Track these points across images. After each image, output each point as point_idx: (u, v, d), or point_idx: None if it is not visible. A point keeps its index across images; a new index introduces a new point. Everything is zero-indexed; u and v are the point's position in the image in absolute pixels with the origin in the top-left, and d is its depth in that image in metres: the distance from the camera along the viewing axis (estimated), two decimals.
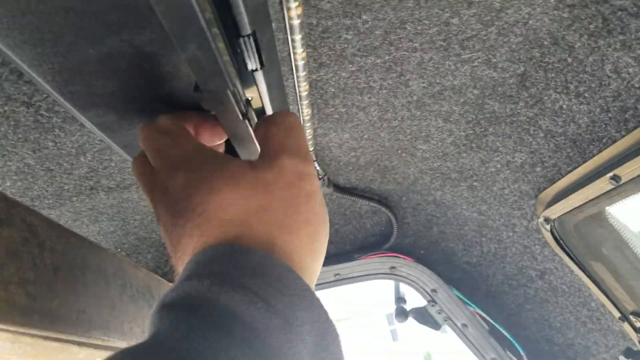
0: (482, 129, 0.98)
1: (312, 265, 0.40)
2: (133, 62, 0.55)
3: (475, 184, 1.20)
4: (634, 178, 0.75)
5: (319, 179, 1.16)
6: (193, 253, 0.37)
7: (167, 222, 0.42)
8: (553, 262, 1.26)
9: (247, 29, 0.53)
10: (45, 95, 0.63)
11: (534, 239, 1.24)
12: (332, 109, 0.90)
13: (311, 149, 0.99)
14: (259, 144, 0.48)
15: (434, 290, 1.43)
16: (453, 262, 1.48)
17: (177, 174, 0.42)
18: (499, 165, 1.08)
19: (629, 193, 0.80)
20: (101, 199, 0.98)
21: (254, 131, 0.53)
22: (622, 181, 0.77)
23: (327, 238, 0.43)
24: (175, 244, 0.40)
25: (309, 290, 0.36)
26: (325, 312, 0.36)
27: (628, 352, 1.07)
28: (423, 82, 0.85)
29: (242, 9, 0.50)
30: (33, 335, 0.40)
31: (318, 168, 1.11)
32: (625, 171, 0.75)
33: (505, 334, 1.49)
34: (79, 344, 0.48)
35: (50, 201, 0.92)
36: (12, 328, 0.36)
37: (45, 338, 0.42)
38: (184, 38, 0.41)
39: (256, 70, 0.62)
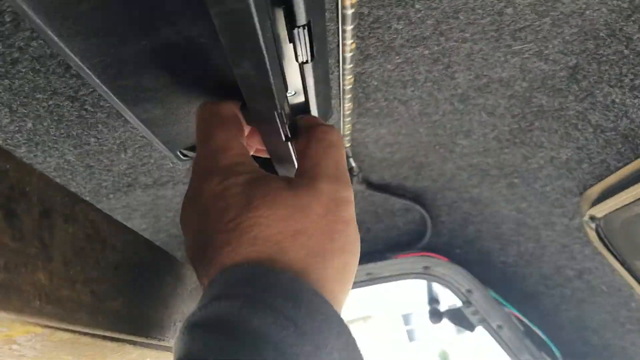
0: (528, 124, 0.95)
1: (340, 295, 0.39)
2: (185, 54, 0.53)
3: (515, 180, 1.17)
4: None
5: (353, 175, 1.13)
6: (220, 269, 0.36)
7: (192, 225, 0.41)
8: (593, 261, 1.23)
9: (303, 19, 0.51)
10: (91, 90, 0.61)
11: (574, 238, 1.20)
12: (373, 103, 0.88)
13: (347, 145, 0.97)
14: (298, 160, 0.46)
15: (469, 291, 1.40)
16: (489, 261, 1.44)
17: (212, 178, 0.40)
18: (542, 162, 1.05)
19: None
20: (137, 195, 0.97)
21: (294, 143, 0.51)
22: None
23: (356, 268, 0.42)
24: (198, 251, 0.39)
25: (338, 316, 0.35)
26: (354, 340, 0.36)
27: None
28: (470, 75, 0.82)
29: None
30: (94, 336, 0.39)
31: (354, 164, 1.09)
32: None
33: (541, 335, 1.46)
34: (134, 343, 0.46)
35: (87, 198, 0.91)
36: (79, 328, 0.34)
37: (104, 338, 0.41)
38: (240, 55, 0.39)
39: (306, 62, 0.60)
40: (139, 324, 0.43)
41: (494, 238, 1.37)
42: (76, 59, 0.49)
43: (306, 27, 0.53)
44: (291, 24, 0.52)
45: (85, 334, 0.38)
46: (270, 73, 0.41)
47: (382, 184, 1.28)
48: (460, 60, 0.77)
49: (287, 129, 0.51)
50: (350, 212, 0.41)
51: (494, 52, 0.76)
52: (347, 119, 0.86)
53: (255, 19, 0.35)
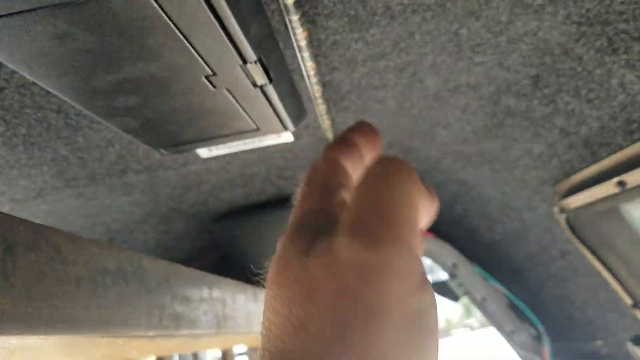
0: (500, 121, 0.99)
1: None
2: (148, 84, 0.60)
3: (497, 167, 1.21)
4: (639, 185, 0.76)
5: None
6: None
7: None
8: (573, 244, 1.28)
9: (252, 57, 0.58)
10: (73, 105, 0.69)
11: (555, 222, 1.25)
12: (348, 102, 0.93)
13: (330, 136, 1.03)
14: None
15: (454, 265, 1.47)
16: (476, 238, 1.51)
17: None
18: (519, 152, 1.09)
19: (635, 197, 0.81)
20: (131, 178, 1.06)
21: None
22: (628, 186, 0.78)
23: None
24: None
25: None
26: None
27: (637, 339, 1.10)
28: (438, 79, 0.86)
29: (245, 43, 0.54)
30: (61, 337, 0.48)
31: None
32: (631, 178, 0.76)
33: (522, 308, 1.53)
34: (102, 336, 0.55)
35: (85, 182, 1.00)
36: (37, 337, 0.43)
37: (73, 335, 0.50)
38: None
39: (265, 85, 0.66)
40: (99, 323, 0.52)
41: (481, 217, 1.43)
42: (53, 90, 0.57)
43: (258, 62, 0.60)
44: (243, 60, 0.59)
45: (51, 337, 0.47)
46: None
47: None
48: (425, 69, 0.82)
49: None
50: (401, 289, 0.24)
51: (456, 63, 0.80)
52: (325, 117, 0.92)
53: None
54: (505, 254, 1.51)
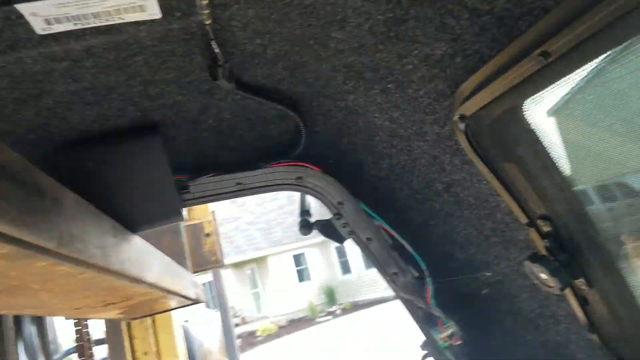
0: (403, 12, 0.89)
1: None
2: None
3: (389, 86, 1.12)
4: (565, 53, 0.68)
5: (218, 65, 1.01)
6: None
7: None
8: (462, 172, 1.23)
9: None
10: None
11: (445, 147, 1.19)
12: None
13: (208, 22, 0.85)
14: None
15: (340, 203, 1.36)
16: (361, 175, 1.41)
17: None
18: (416, 61, 1.00)
19: (557, 74, 0.74)
20: None
21: None
22: (552, 57, 0.70)
23: None
24: None
25: None
26: None
27: (534, 256, 1.06)
28: None
29: None
30: None
31: (217, 50, 0.97)
32: (556, 44, 0.69)
33: (408, 248, 1.47)
34: None
35: None
36: None
37: None
38: None
39: None
40: None
41: (367, 151, 1.34)
42: None
43: None
44: None
45: None
46: None
47: (254, 86, 1.17)
48: None
49: None
50: None
51: None
52: None
53: None
54: (390, 191, 1.43)
